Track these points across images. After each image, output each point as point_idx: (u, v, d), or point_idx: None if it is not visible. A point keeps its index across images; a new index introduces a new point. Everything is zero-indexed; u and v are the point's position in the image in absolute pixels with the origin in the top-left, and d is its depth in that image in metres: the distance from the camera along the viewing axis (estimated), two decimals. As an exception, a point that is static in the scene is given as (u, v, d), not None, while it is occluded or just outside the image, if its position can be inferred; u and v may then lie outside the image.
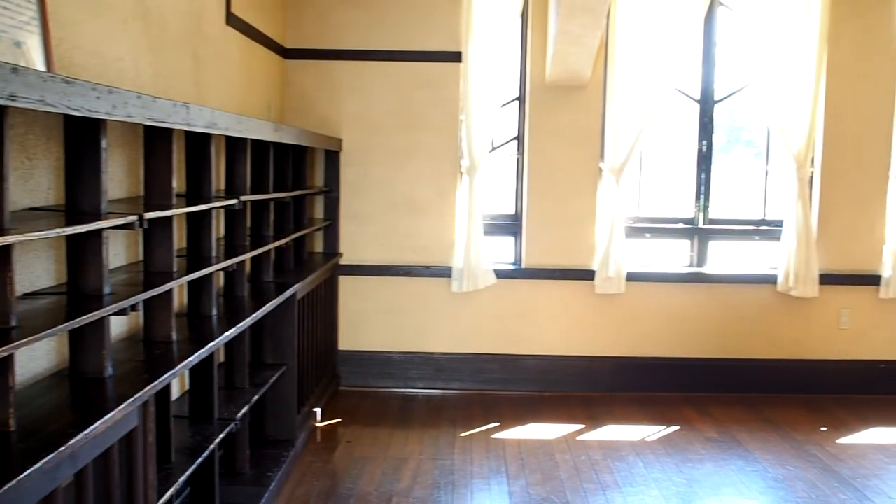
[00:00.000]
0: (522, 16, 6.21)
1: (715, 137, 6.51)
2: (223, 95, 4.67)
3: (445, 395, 6.33)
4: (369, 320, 6.39)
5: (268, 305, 4.17)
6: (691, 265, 6.55)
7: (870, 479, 4.82)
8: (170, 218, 3.11)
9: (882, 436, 5.59)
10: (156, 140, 3.10)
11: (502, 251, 6.50)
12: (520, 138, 6.41)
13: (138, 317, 3.30)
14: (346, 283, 6.36)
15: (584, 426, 5.64)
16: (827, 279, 6.31)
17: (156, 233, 3.13)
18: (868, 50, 6.29)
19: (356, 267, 6.33)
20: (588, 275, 6.29)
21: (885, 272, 6.35)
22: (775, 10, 6.10)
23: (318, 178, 6.28)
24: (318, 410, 5.58)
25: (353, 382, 6.38)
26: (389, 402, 6.13)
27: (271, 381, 4.50)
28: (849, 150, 6.33)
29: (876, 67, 6.31)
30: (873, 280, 6.39)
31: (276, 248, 4.88)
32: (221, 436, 3.53)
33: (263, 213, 4.60)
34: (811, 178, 6.35)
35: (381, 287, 6.37)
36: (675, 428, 5.65)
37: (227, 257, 3.79)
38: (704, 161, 6.50)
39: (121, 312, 2.64)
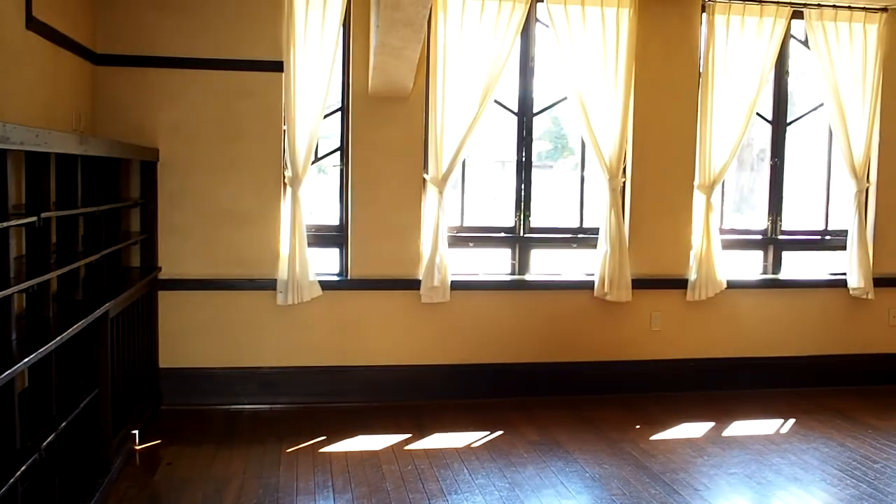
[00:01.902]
0: (344, 26, 6.19)
1: (541, 145, 6.72)
2: (24, 106, 4.40)
3: (272, 409, 6.21)
4: (192, 336, 6.19)
5: (76, 326, 3.96)
6: (513, 273, 6.74)
7: (678, 472, 5.10)
8: (-42, 239, 2.90)
9: (690, 431, 5.93)
10: (-59, 156, 2.88)
11: (328, 262, 6.46)
12: (343, 149, 6.39)
13: (-75, 345, 3.06)
14: (166, 299, 6.12)
15: (410, 435, 5.68)
16: (639, 284, 6.64)
17: (-57, 255, 2.91)
18: (672, 67, 6.68)
19: (177, 281, 6.12)
20: (414, 284, 6.35)
21: (691, 276, 6.75)
22: (588, 28, 6.38)
23: (135, 190, 6.02)
24: (136, 432, 5.35)
25: (175, 401, 6.15)
26: (214, 420, 5.96)
27: (82, 405, 4.28)
28: (656, 162, 6.70)
29: (679, 83, 6.71)
30: (681, 284, 6.78)
31: (88, 265, 4.65)
32: (23, 468, 3.32)
33: (72, 229, 4.37)
34: (623, 187, 6.66)
35: (203, 301, 6.18)
36: (499, 433, 5.78)
37: (29, 277, 3.58)
38: (524, 171, 6.70)
39: None
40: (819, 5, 6.72)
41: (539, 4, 6.49)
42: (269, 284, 6.19)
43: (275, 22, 6.07)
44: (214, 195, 6.14)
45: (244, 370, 6.26)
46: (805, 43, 6.96)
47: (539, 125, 6.80)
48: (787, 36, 6.90)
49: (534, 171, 6.73)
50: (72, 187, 4.29)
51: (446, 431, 5.78)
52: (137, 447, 5.32)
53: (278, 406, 6.26)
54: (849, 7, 6.76)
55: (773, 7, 6.64)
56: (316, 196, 6.67)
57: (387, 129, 6.29)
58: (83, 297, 4.49)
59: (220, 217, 6.16)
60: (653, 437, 5.77)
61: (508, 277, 6.71)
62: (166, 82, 6.03)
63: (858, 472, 5.17)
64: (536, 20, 6.58)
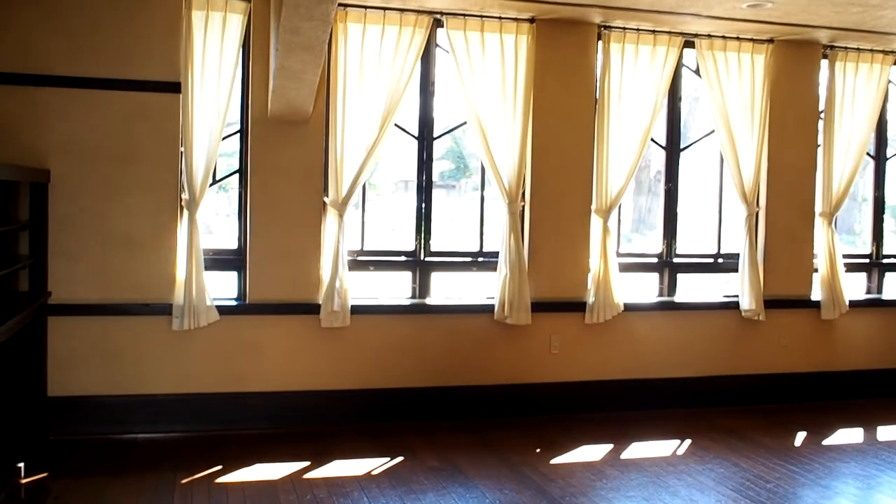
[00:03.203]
0: (243, 48, 6.13)
1: (443, 164, 6.76)
2: None
3: (167, 438, 6.05)
4: (83, 363, 5.98)
5: (-49, 358, 3.80)
6: (414, 297, 6.74)
7: (577, 496, 5.15)
8: None
9: (589, 453, 6.00)
10: None
11: (226, 286, 6.35)
12: (242, 172, 6.32)
13: None
14: (56, 325, 5.90)
15: (310, 463, 5.60)
16: (538, 307, 6.71)
17: None
18: (569, 93, 6.82)
19: (68, 307, 5.91)
20: (313, 309, 6.29)
21: (589, 299, 6.86)
22: (487, 54, 6.46)
23: (24, 213, 5.80)
24: (21, 465, 5.14)
25: (65, 431, 5.93)
26: (106, 450, 5.78)
27: (-41, 439, 4.10)
28: (555, 186, 6.81)
29: (577, 109, 6.85)
30: (579, 307, 6.88)
31: (-33, 293, 4.47)
32: None
33: (-50, 255, 4.20)
34: (522, 211, 6.74)
35: (96, 327, 5.99)
36: (399, 459, 5.74)
37: None
38: (425, 194, 6.72)
39: None
40: (709, 35, 6.96)
41: (439, 30, 6.54)
42: (165, 309, 6.04)
43: (172, 43, 5.97)
44: (108, 218, 5.98)
45: (138, 398, 6.08)
46: (696, 72, 7.19)
47: (441, 145, 6.86)
48: (680, 65, 7.12)
49: (436, 190, 6.77)
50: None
51: (346, 458, 5.73)
52: (22, 481, 5.09)
53: (174, 434, 6.10)
54: (737, 38, 7.03)
55: (665, 36, 6.85)
56: (216, 215, 6.57)
57: (286, 151, 6.24)
58: (-38, 326, 4.31)
59: (115, 240, 5.99)
60: (553, 461, 5.82)
61: (409, 301, 6.71)
62: (59, 102, 5.86)
63: (752, 492, 5.30)
64: (436, 45, 6.64)
